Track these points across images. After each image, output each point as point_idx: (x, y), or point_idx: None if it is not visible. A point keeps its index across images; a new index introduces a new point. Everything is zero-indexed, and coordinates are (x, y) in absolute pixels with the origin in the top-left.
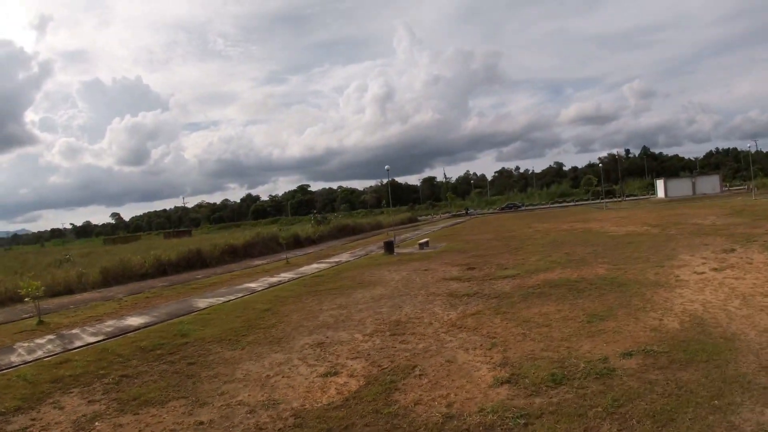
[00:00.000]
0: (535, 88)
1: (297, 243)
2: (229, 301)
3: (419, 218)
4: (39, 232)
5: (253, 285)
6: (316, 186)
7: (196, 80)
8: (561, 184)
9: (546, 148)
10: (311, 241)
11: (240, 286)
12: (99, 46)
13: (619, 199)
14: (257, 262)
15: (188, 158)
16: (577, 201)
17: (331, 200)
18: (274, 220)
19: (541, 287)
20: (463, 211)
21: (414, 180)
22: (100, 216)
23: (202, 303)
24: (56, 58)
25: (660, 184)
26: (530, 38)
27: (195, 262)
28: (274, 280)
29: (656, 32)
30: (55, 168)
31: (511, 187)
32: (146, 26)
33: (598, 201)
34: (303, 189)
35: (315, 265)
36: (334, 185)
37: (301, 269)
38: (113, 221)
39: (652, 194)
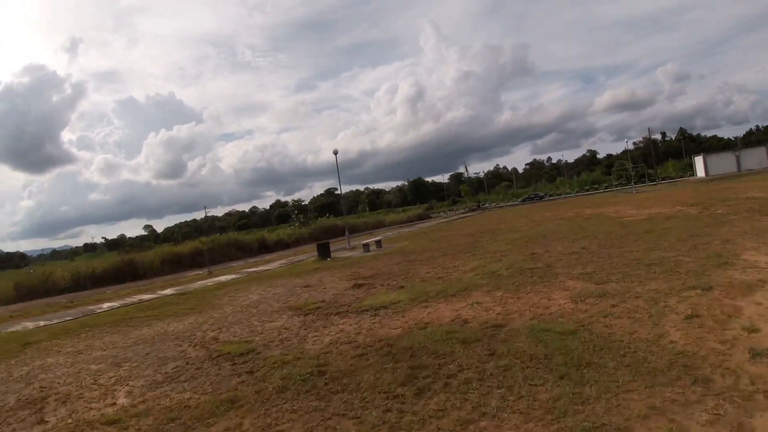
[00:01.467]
0: (567, 77)
1: (264, 248)
2: None
3: (432, 215)
4: (76, 247)
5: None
6: (351, 189)
7: (228, 92)
8: (593, 172)
9: (581, 138)
10: (284, 245)
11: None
12: (130, 64)
13: (653, 183)
14: (194, 272)
15: (224, 168)
16: (607, 187)
17: (357, 202)
18: (292, 224)
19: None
20: (475, 206)
21: (445, 178)
22: (138, 229)
23: None
24: (88, 78)
25: (699, 161)
26: (556, 27)
27: (126, 274)
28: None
29: (684, 13)
30: (95, 185)
31: (540, 178)
32: (175, 43)
33: (628, 186)
34: (329, 192)
35: (219, 278)
36: (372, 187)
37: (190, 285)
38: (146, 233)
39: (690, 174)
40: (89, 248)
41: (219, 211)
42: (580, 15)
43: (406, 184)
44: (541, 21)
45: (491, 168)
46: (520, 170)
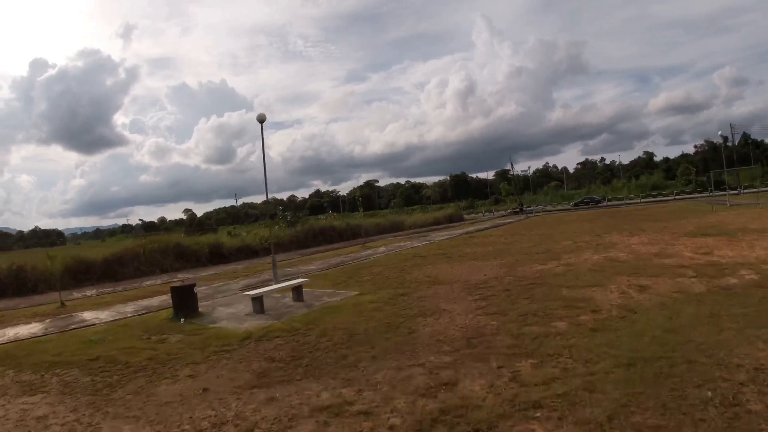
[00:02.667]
0: (621, 77)
1: (217, 256)
2: None
3: (466, 217)
4: (113, 227)
5: None
6: (391, 182)
7: (279, 81)
8: (652, 175)
9: (634, 140)
10: (248, 253)
11: None
12: (183, 52)
13: (735, 192)
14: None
15: (273, 156)
16: (677, 194)
17: (395, 196)
18: (325, 217)
19: None
20: (518, 208)
21: (491, 175)
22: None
23: None
24: (142, 64)
25: None
26: (611, 25)
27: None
28: None
29: (742, 15)
30: (145, 167)
31: (593, 179)
32: (227, 32)
33: (709, 195)
34: (369, 183)
35: None
36: (413, 181)
37: None
38: (185, 217)
39: None
40: (126, 229)
41: (260, 199)
42: (635, 13)
43: (448, 179)
44: (596, 18)
45: (539, 166)
46: (571, 170)
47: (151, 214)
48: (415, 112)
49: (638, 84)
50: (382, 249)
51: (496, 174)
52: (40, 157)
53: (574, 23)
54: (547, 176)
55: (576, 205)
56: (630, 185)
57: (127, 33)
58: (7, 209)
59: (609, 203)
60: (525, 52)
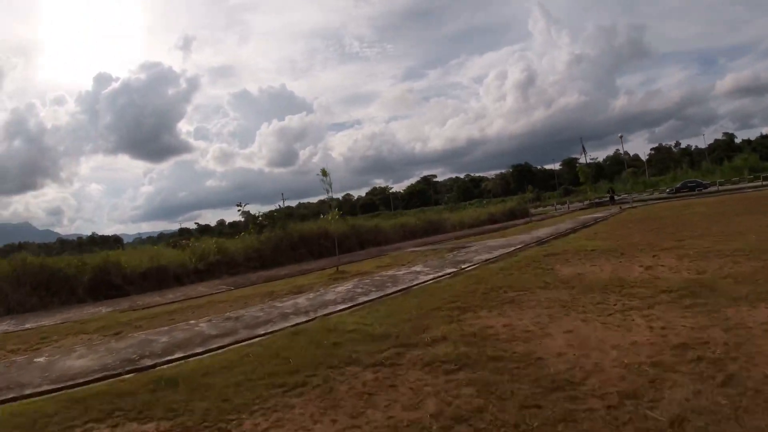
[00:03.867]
0: (685, 60)
1: (107, 286)
2: None
3: (533, 212)
4: (169, 231)
5: None
6: (450, 177)
7: (338, 83)
8: (746, 157)
9: (702, 126)
10: (171, 278)
11: None
12: (242, 59)
13: None
14: None
15: (335, 157)
16: None
17: (453, 191)
18: (374, 215)
19: None
20: (607, 197)
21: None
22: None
23: None
24: (203, 73)
25: None
26: (671, 5)
27: None
28: None
29: None
30: (211, 172)
31: (676, 164)
32: (284, 38)
33: None
34: (426, 179)
35: None
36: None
37: None
38: (242, 219)
39: None
40: (183, 232)
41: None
42: None
43: (510, 170)
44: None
45: (606, 156)
46: (643, 157)
47: (218, 216)
48: (475, 106)
49: (703, 66)
50: (304, 303)
51: (563, 163)
52: (108, 167)
53: (633, 6)
54: (619, 163)
55: (676, 191)
56: (723, 168)
57: (186, 44)
58: (78, 217)
59: (720, 188)
60: (584, 39)
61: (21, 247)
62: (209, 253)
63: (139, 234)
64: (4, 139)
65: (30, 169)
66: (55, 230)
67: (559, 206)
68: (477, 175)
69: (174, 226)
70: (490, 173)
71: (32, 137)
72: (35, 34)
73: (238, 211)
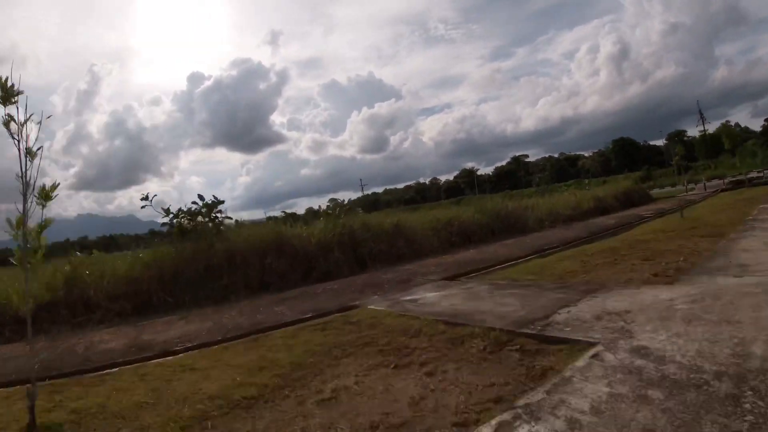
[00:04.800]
0: None
1: None
2: None
3: (654, 196)
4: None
5: None
6: (543, 157)
7: (425, 67)
8: None
9: None
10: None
11: None
12: (329, 51)
13: None
14: None
15: (425, 141)
16: None
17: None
18: (456, 200)
19: None
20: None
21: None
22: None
23: None
24: (291, 66)
25: None
26: None
27: None
28: None
29: None
30: (305, 161)
31: None
32: (369, 26)
33: None
34: (516, 160)
35: None
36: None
37: None
38: (329, 205)
39: None
40: (271, 219)
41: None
42: None
43: (610, 146)
44: None
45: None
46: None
47: (314, 203)
48: (567, 84)
49: None
50: None
51: (669, 137)
52: (206, 160)
53: None
54: (732, 136)
55: None
56: None
57: (274, 39)
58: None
59: None
60: (678, 6)
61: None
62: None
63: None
64: (105, 139)
65: (132, 165)
66: (158, 221)
67: (692, 184)
68: (572, 153)
69: (270, 214)
70: (587, 153)
71: (132, 136)
72: (128, 41)
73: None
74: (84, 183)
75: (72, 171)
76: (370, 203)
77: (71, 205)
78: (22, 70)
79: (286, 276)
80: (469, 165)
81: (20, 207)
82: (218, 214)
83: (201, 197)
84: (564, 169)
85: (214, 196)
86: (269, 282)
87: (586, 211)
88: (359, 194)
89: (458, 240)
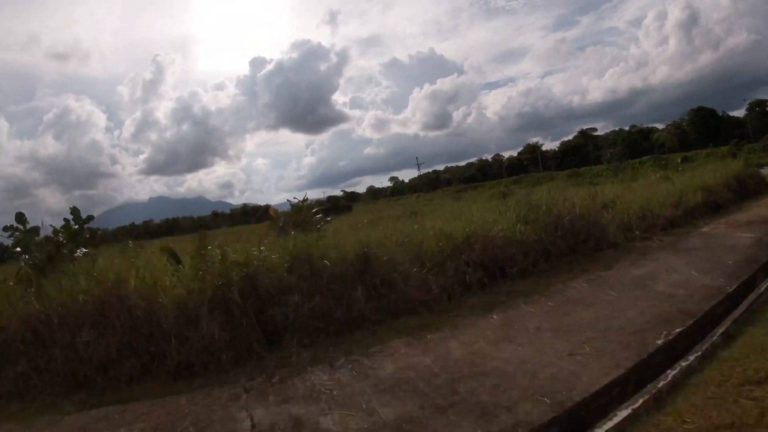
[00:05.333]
0: None
1: None
2: None
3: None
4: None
5: None
6: (612, 130)
7: (486, 40)
8: None
9: None
10: None
11: None
12: (389, 28)
13: None
14: None
15: (489, 116)
16: None
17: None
18: (517, 178)
19: None
20: None
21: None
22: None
23: None
24: (351, 45)
25: None
26: None
27: None
28: None
29: None
30: (368, 140)
31: None
32: (428, 1)
33: None
34: (583, 133)
35: None
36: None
37: None
38: (391, 185)
39: None
40: (332, 201)
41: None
42: None
43: (686, 117)
44: None
45: None
46: None
47: (378, 181)
48: (635, 53)
49: None
50: None
51: (750, 108)
52: (271, 142)
53: None
54: None
55: None
56: None
57: (332, 19)
58: (248, 188)
59: None
60: None
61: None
62: None
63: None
64: (173, 124)
65: (200, 149)
66: (227, 201)
67: None
68: (645, 126)
69: (336, 193)
70: (660, 125)
71: (198, 121)
72: (189, 30)
73: None
74: (154, 168)
75: (141, 157)
76: (430, 181)
77: (143, 189)
78: (86, 65)
79: (110, 368)
80: (534, 140)
81: (92, 193)
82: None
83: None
84: (636, 143)
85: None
86: (84, 377)
87: (694, 208)
88: (421, 172)
89: (481, 277)
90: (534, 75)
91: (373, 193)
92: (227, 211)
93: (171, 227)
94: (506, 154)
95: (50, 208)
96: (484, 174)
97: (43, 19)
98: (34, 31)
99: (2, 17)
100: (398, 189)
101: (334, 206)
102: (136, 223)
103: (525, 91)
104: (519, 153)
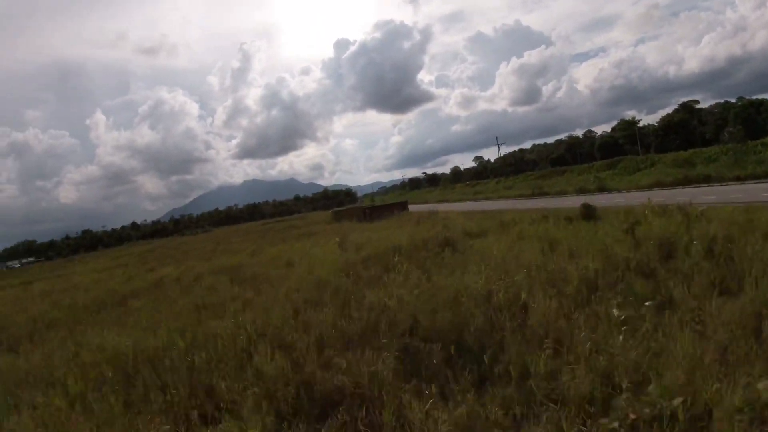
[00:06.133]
0: None
1: None
2: None
3: None
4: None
5: None
6: (717, 102)
7: (573, 9)
8: None
9: None
10: None
11: None
12: (472, 2)
13: None
14: None
15: (581, 90)
16: None
17: (725, 121)
18: (612, 162)
19: None
20: None
21: None
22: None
23: None
24: (434, 22)
25: None
26: None
27: None
28: None
29: None
30: (455, 118)
31: None
32: None
33: None
34: (686, 107)
35: None
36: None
37: None
38: (475, 164)
39: None
40: (413, 183)
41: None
42: None
43: None
44: None
45: None
46: None
47: (465, 160)
48: (732, 17)
49: None
50: None
51: None
52: (359, 123)
53: None
54: None
55: None
56: None
57: None
58: (338, 169)
59: None
60: None
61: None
62: None
63: (391, 180)
64: (262, 110)
65: (289, 133)
66: (318, 182)
67: None
68: (758, 97)
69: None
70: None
71: (287, 106)
72: (272, 16)
73: None
74: (246, 152)
75: (233, 142)
76: (515, 162)
77: (236, 173)
78: (174, 57)
79: None
80: (629, 114)
81: (188, 178)
82: None
83: None
84: (750, 118)
85: None
86: None
87: None
88: (504, 153)
89: None
90: (626, 44)
91: (455, 175)
92: (319, 191)
93: (252, 212)
94: (598, 130)
95: (149, 192)
96: (573, 153)
97: (130, 17)
98: (121, 28)
99: (91, 17)
100: (480, 171)
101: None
102: (230, 206)
103: (617, 62)
104: (613, 129)
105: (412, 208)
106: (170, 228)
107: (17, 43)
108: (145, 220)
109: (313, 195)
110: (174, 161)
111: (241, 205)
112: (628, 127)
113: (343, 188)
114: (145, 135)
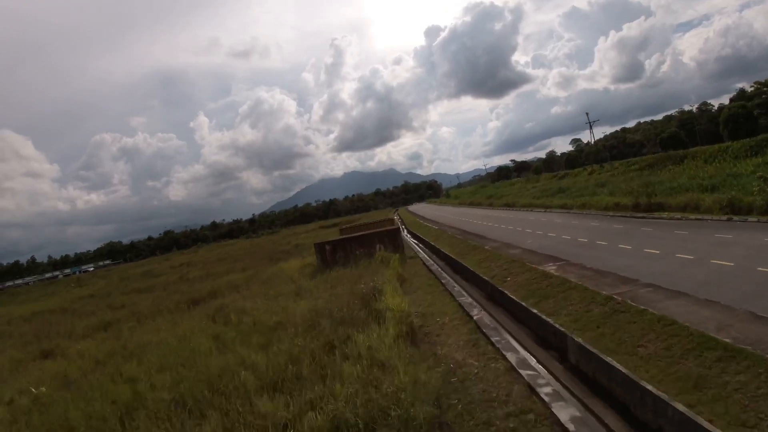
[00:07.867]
0: None
1: None
2: None
3: None
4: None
5: None
6: None
7: None
8: None
9: None
10: None
11: None
12: None
13: None
14: None
15: (686, 62)
16: None
17: None
18: (757, 142)
19: None
20: None
21: None
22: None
23: None
24: (525, 1)
25: None
26: None
27: None
28: None
29: None
30: (554, 99)
31: None
32: None
33: None
34: None
35: None
36: None
37: None
38: (572, 148)
39: None
40: (502, 172)
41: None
42: None
43: None
44: None
45: None
46: None
47: (567, 144)
48: None
49: None
50: None
51: None
52: (454, 110)
53: None
54: None
55: None
56: None
57: None
58: (436, 158)
59: None
60: None
61: None
62: None
63: (492, 167)
64: (358, 103)
65: (385, 123)
66: (416, 172)
67: None
68: None
69: (525, 157)
70: None
71: (382, 97)
72: (361, 9)
73: None
74: (344, 145)
75: (332, 136)
76: (618, 144)
77: (336, 166)
78: (267, 58)
79: None
80: (740, 86)
81: (290, 172)
82: None
83: None
84: None
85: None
86: None
87: None
88: (605, 134)
89: None
90: (730, 9)
91: (547, 162)
92: (417, 182)
93: (326, 211)
94: (715, 103)
95: (254, 187)
96: (689, 131)
97: (221, 23)
98: (213, 35)
99: (186, 26)
100: (575, 156)
101: None
102: (331, 198)
103: (723, 30)
104: (732, 99)
105: (446, 217)
106: (246, 227)
107: (122, 57)
108: (253, 214)
109: (394, 188)
110: (276, 157)
111: (341, 197)
112: (755, 94)
113: (428, 180)
114: (247, 134)
